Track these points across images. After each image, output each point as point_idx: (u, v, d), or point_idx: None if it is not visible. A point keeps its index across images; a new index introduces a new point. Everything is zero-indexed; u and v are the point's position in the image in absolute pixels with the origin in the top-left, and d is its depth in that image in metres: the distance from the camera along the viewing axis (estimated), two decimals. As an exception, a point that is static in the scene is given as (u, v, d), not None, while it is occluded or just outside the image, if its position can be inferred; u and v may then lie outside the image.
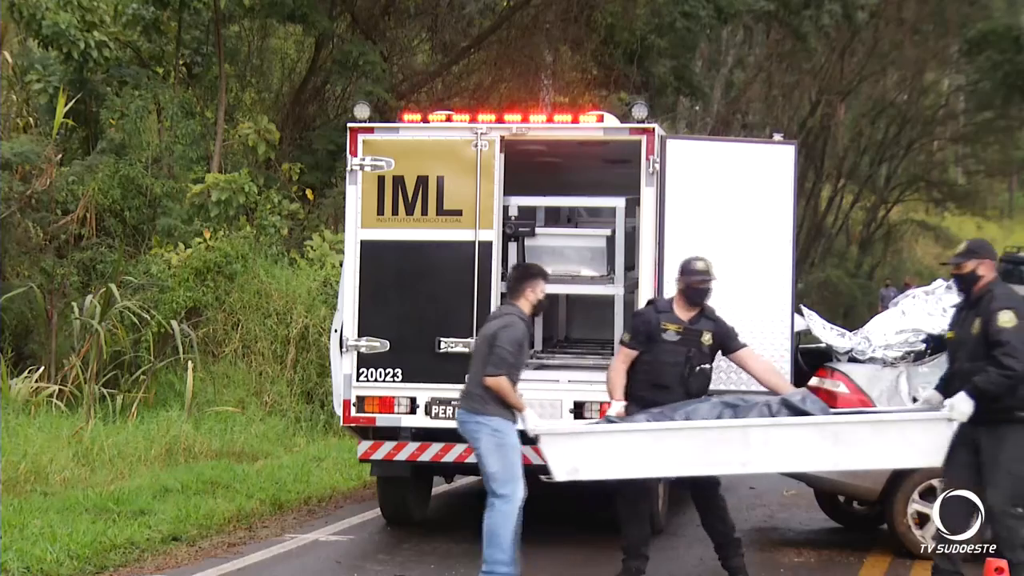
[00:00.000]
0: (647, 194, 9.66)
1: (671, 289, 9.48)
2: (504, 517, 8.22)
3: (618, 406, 8.64)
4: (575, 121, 10.07)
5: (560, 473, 8.18)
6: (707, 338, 8.66)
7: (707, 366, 8.70)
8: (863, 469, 9.25)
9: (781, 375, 8.82)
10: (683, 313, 8.69)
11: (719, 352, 8.78)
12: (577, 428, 8.78)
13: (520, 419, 8.35)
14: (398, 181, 9.85)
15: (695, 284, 8.69)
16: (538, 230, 10.25)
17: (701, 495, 8.85)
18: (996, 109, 44.91)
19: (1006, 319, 7.88)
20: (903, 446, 8.25)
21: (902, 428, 8.32)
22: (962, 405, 7.92)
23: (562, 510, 11.20)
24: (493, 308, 9.63)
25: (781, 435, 8.25)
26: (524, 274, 8.72)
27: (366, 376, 9.86)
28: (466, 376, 8.59)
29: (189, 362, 15.14)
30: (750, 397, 8.49)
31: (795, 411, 8.30)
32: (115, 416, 13.89)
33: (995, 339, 7.87)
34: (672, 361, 8.61)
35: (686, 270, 8.76)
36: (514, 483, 8.27)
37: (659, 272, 9.67)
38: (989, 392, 7.88)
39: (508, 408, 8.34)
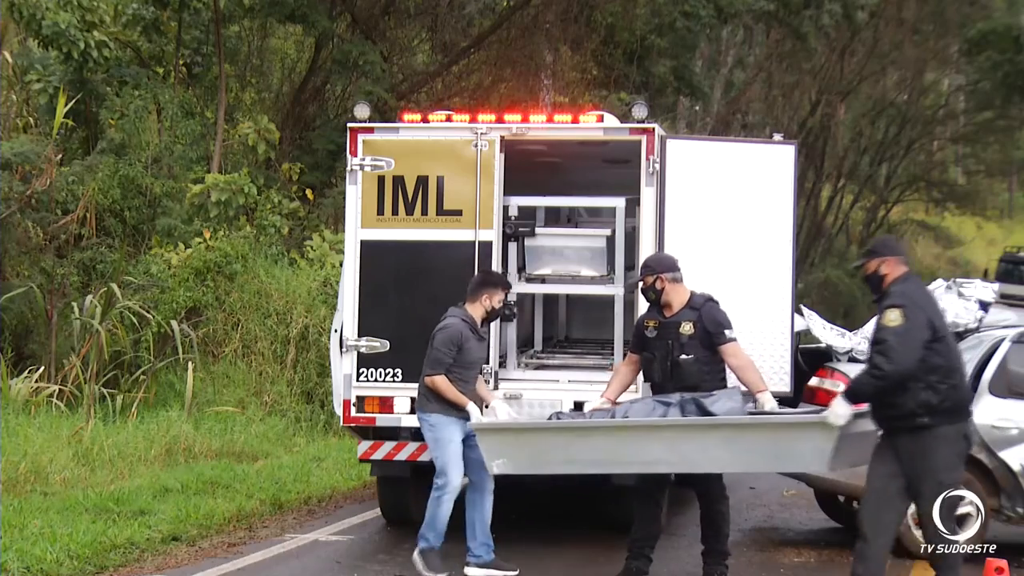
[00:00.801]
0: (647, 194, 9.66)
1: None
2: (436, 503, 8.80)
3: (597, 402, 8.84)
4: (575, 121, 10.06)
5: (492, 467, 8.38)
6: (687, 328, 8.63)
7: (689, 356, 8.61)
8: (758, 471, 9.24)
9: (756, 372, 8.69)
10: (669, 309, 8.76)
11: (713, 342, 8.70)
12: (502, 424, 8.83)
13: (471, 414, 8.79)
14: (398, 181, 9.85)
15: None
16: (538, 230, 10.24)
17: (702, 500, 8.86)
18: (996, 109, 44.91)
19: (891, 317, 7.47)
20: (787, 451, 8.06)
21: (784, 433, 8.15)
22: (837, 408, 7.63)
23: (563, 511, 11.21)
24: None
25: (679, 436, 8.18)
26: (484, 281, 9.12)
27: (366, 376, 9.85)
28: None
29: (189, 362, 15.15)
30: (688, 394, 8.42)
31: (703, 411, 8.25)
32: (115, 416, 13.89)
33: (875, 337, 7.57)
34: (655, 356, 8.73)
35: None
36: (447, 475, 8.79)
37: (659, 272, 9.67)
38: (860, 394, 7.59)
39: (452, 405, 8.77)
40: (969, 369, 9.87)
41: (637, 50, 26.25)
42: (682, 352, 8.61)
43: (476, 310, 8.96)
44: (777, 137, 10.80)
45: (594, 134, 10.05)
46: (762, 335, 9.74)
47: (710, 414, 8.18)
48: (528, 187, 10.34)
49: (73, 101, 18.41)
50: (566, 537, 10.30)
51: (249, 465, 12.70)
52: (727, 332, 8.64)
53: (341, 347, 9.92)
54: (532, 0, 23.76)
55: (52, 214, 17.01)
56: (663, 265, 8.80)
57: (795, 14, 29.68)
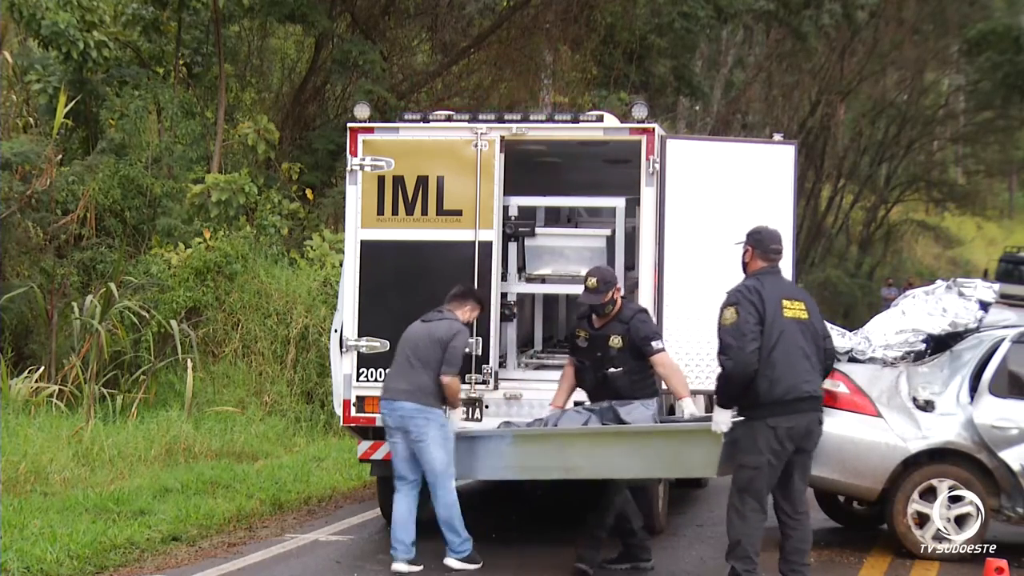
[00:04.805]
0: (647, 194, 9.66)
1: (671, 289, 9.58)
2: (453, 505, 8.99)
3: (547, 411, 9.13)
4: (575, 121, 10.06)
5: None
6: (615, 341, 8.81)
7: (618, 370, 8.78)
8: (660, 477, 9.58)
9: (681, 379, 8.84)
10: (599, 320, 8.91)
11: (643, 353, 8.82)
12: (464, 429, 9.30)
13: (449, 416, 9.06)
14: (398, 181, 9.85)
15: (582, 302, 8.96)
16: (538, 230, 10.24)
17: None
18: (996, 109, 44.98)
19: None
20: (681, 457, 8.42)
21: (676, 440, 8.46)
22: (718, 416, 8.02)
23: (561, 512, 11.20)
24: (493, 309, 9.67)
25: (591, 443, 8.61)
26: (470, 294, 9.28)
27: (366, 376, 9.85)
28: (405, 372, 9.03)
29: (189, 362, 15.13)
30: (607, 402, 8.77)
31: (618, 419, 8.59)
32: (115, 416, 13.88)
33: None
34: (586, 366, 8.98)
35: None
36: (451, 470, 8.99)
37: (659, 272, 9.69)
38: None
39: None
40: (969, 369, 9.91)
41: (637, 50, 26.28)
42: (611, 365, 8.81)
43: (462, 317, 9.12)
44: (777, 137, 10.80)
45: (594, 134, 10.05)
46: (762, 335, 9.71)
47: (623, 423, 8.54)
48: (528, 187, 10.33)
49: (73, 101, 18.40)
50: (564, 538, 10.28)
51: (249, 465, 12.70)
52: (654, 344, 8.79)
53: (341, 347, 9.92)
54: (532, 0, 23.76)
55: (52, 214, 16.99)
56: (615, 277, 8.99)
57: (795, 14, 29.72)
